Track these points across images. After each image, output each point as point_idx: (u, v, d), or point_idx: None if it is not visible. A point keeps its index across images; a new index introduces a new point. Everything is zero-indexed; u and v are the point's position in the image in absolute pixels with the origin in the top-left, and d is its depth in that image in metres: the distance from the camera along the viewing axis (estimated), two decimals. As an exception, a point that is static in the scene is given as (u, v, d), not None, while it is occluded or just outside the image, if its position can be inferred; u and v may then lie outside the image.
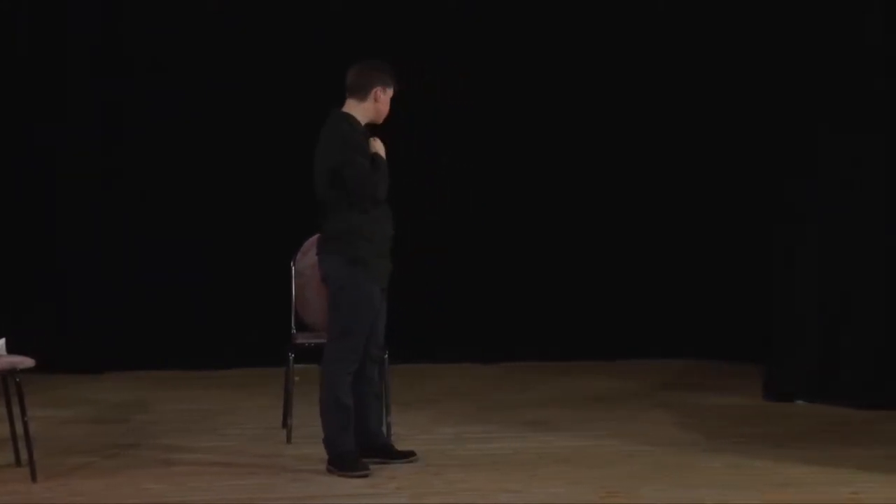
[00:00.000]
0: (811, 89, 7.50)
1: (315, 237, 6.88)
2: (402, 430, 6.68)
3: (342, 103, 6.04)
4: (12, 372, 5.76)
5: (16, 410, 5.84)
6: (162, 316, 8.82)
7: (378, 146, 6.01)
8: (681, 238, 9.22)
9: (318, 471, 5.95)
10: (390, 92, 6.02)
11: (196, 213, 8.88)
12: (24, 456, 5.82)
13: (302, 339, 6.67)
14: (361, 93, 5.98)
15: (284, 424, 6.60)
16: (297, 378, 6.61)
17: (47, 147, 8.70)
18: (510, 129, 9.19)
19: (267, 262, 7.99)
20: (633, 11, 9.16)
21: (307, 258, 6.87)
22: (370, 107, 5.98)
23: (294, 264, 6.83)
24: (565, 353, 9.12)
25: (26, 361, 5.78)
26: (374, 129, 6.04)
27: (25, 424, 5.74)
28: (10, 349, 5.88)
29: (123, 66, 8.81)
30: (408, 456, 6.14)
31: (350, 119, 5.96)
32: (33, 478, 5.71)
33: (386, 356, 6.22)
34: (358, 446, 5.95)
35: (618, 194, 9.29)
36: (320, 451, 6.26)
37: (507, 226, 9.18)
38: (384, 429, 6.24)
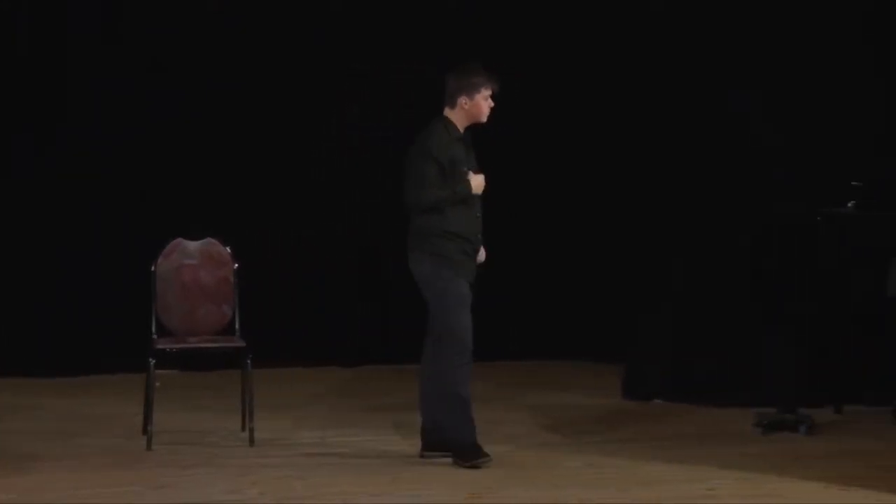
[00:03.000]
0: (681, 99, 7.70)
1: (177, 240, 6.84)
2: (266, 434, 6.64)
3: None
4: None
5: None
6: (17, 321, 8.61)
7: (475, 184, 6.10)
8: (545, 239, 9.31)
9: (179, 477, 5.88)
10: (481, 94, 6.12)
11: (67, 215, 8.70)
12: None
13: (163, 344, 6.59)
14: (450, 101, 6.16)
15: (145, 431, 6.51)
16: (157, 384, 6.53)
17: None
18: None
19: (127, 265, 7.89)
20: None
21: (168, 262, 6.80)
22: (461, 113, 6.14)
23: (155, 268, 6.75)
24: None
25: None
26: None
27: None
28: None
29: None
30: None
31: (447, 123, 6.14)
32: None
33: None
34: (426, 446, 6.17)
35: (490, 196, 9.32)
36: (181, 458, 6.20)
37: (364, 234, 9.14)
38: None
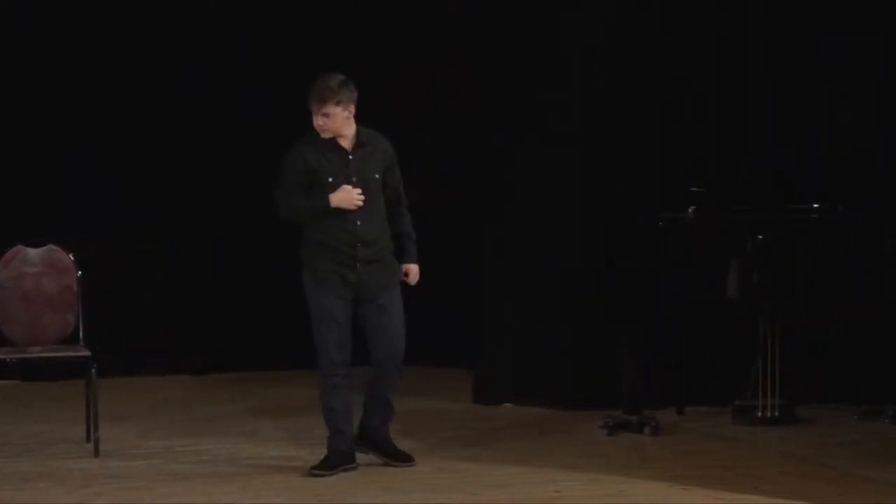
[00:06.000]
0: (512, 99, 7.78)
1: (17, 247, 6.70)
2: (112, 444, 6.52)
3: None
4: None
5: None
6: None
7: (337, 198, 5.96)
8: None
9: (21, 490, 5.74)
10: (314, 109, 5.98)
11: None
12: None
13: (3, 354, 6.48)
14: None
15: (-16, 443, 6.36)
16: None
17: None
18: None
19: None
20: None
21: (8, 270, 6.65)
22: None
23: (-7, 276, 6.61)
24: (277, 363, 9.08)
25: None
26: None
27: None
28: None
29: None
30: (406, 460, 6.21)
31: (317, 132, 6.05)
32: None
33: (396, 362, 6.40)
34: (358, 441, 6.23)
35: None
36: (23, 470, 6.06)
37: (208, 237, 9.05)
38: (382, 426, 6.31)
